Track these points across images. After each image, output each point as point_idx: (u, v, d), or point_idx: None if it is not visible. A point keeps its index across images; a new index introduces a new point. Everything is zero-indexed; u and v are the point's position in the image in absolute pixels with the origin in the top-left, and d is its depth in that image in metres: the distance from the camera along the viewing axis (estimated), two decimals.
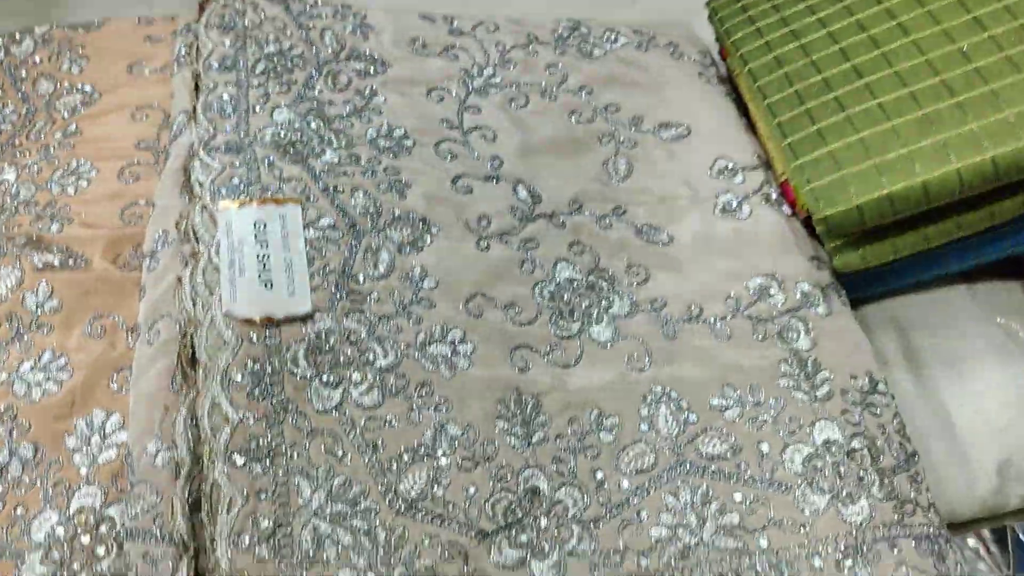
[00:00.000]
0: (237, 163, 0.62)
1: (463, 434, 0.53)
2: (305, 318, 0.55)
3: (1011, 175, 0.59)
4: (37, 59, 0.76)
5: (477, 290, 0.59)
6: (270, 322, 0.54)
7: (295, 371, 0.53)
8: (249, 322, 0.54)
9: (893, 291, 0.69)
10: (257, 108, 0.66)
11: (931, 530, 0.53)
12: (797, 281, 0.62)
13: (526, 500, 0.52)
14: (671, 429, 0.56)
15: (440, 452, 0.52)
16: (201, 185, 0.61)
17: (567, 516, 0.52)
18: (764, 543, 0.52)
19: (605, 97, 0.74)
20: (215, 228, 0.58)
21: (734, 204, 0.67)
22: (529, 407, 0.55)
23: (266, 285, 0.55)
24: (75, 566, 0.49)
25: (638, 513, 0.53)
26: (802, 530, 0.52)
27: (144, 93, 0.73)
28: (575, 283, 0.62)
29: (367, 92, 0.70)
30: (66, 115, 0.72)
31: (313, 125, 0.66)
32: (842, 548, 0.51)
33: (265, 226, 0.58)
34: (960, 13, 0.66)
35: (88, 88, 0.73)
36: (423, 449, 0.52)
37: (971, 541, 0.93)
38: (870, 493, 0.53)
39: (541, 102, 0.73)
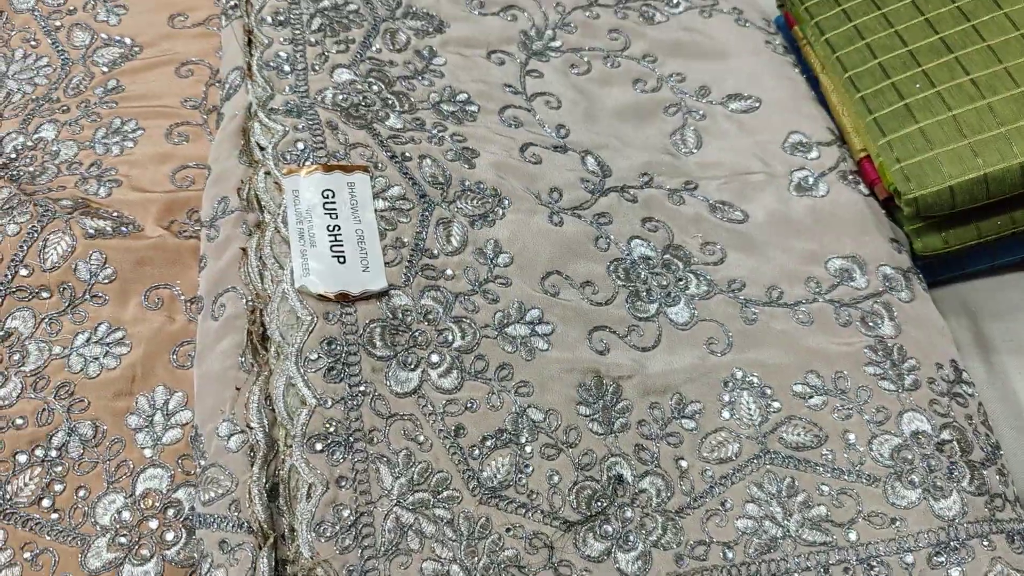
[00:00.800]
0: (300, 126, 0.58)
1: (545, 419, 0.51)
2: (381, 295, 0.52)
3: None
4: (71, 7, 0.71)
5: (553, 267, 0.57)
6: (345, 298, 0.51)
7: (372, 351, 0.50)
8: (323, 298, 0.51)
9: (964, 275, 0.67)
10: (316, 67, 0.62)
11: (1023, 526, 0.51)
12: (879, 264, 0.60)
13: (610, 489, 0.50)
14: (754, 417, 0.54)
15: (523, 438, 0.50)
16: (263, 149, 0.58)
17: (651, 506, 0.50)
18: (853, 537, 0.50)
19: (670, 65, 0.71)
20: (280, 196, 0.55)
21: (810, 181, 0.64)
22: (610, 392, 0.53)
23: (339, 259, 0.52)
24: (144, 552, 0.47)
25: (723, 504, 0.51)
26: (892, 525, 0.51)
27: (188, 47, 0.69)
28: (651, 261, 0.59)
29: (427, 53, 0.67)
30: (105, 69, 0.68)
31: (375, 87, 0.63)
32: (934, 543, 0.50)
33: (334, 194, 0.55)
34: None
35: (128, 40, 0.69)
36: (505, 435, 0.50)
37: None
38: (961, 487, 0.52)
39: (604, 69, 0.70)
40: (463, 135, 0.62)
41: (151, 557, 0.47)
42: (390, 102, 0.62)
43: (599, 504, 0.49)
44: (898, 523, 0.51)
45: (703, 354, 0.56)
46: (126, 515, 0.48)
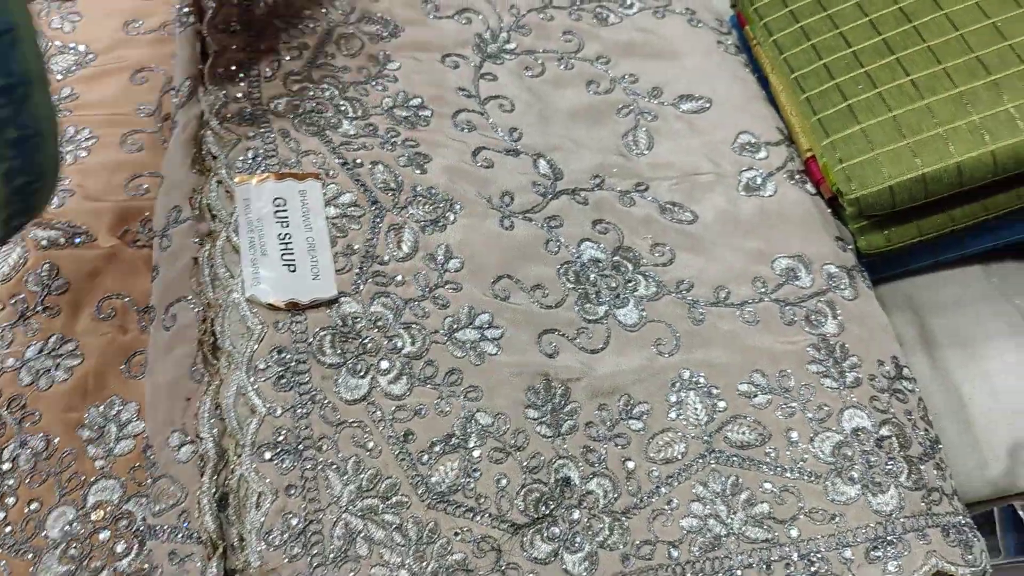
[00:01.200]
0: (252, 134, 0.59)
1: (493, 424, 0.52)
2: (331, 303, 0.53)
3: None
4: None
5: (503, 271, 0.58)
6: (295, 307, 0.52)
7: (322, 359, 0.51)
8: (273, 307, 0.52)
9: (908, 272, 0.69)
10: (269, 74, 0.63)
11: (958, 519, 0.53)
12: (824, 263, 0.61)
13: (557, 491, 0.51)
14: (700, 416, 0.55)
15: (472, 443, 0.51)
16: (215, 158, 0.58)
17: (598, 507, 0.51)
18: (795, 533, 0.52)
19: (623, 67, 0.72)
20: (232, 205, 0.56)
21: (758, 181, 0.65)
22: (559, 394, 0.54)
23: (289, 267, 0.53)
24: (95, 564, 0.48)
25: (668, 503, 0.52)
26: (832, 520, 0.52)
27: (142, 54, 0.69)
28: (600, 263, 0.60)
29: (381, 57, 0.67)
30: (59, 77, 0.68)
31: (328, 93, 0.63)
32: (872, 538, 0.52)
33: (285, 203, 0.55)
34: None
35: (82, 48, 0.69)
36: (454, 440, 0.51)
37: None
38: (899, 482, 0.53)
39: (557, 71, 0.71)
40: (416, 140, 0.62)
41: (102, 569, 0.48)
42: (343, 108, 0.63)
43: (546, 507, 0.51)
44: (838, 519, 0.52)
45: (651, 355, 0.57)
46: (77, 527, 0.49)
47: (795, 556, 0.51)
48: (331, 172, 0.58)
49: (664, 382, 0.56)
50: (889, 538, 0.52)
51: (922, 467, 0.54)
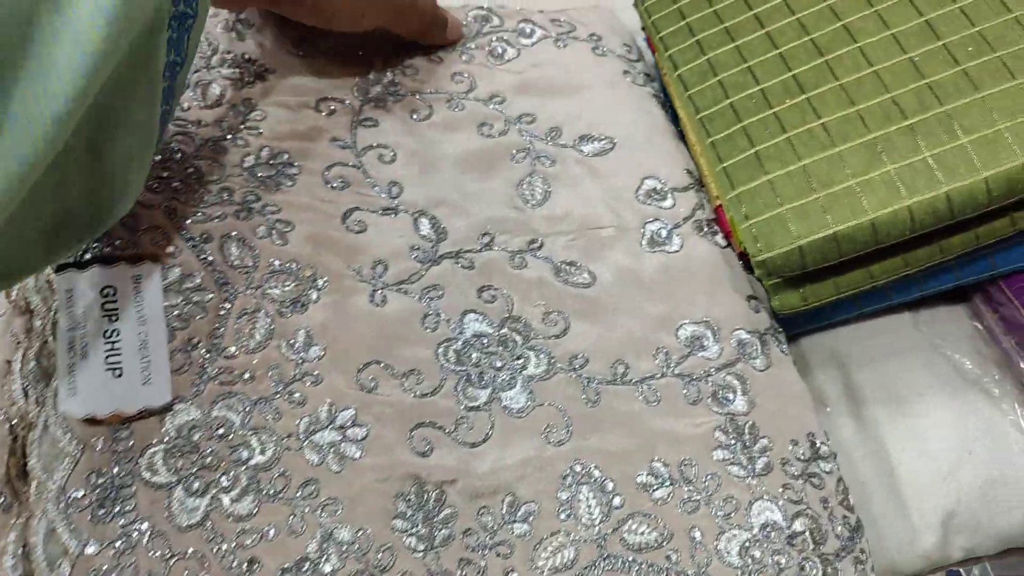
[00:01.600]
0: None
1: (355, 540, 0.46)
2: (163, 411, 0.46)
3: (966, 211, 0.52)
4: None
5: (372, 357, 0.51)
6: (120, 420, 0.45)
7: (151, 480, 0.45)
8: (93, 421, 0.45)
9: (832, 324, 0.63)
10: None
11: None
12: (734, 328, 0.56)
13: None
14: (594, 516, 0.49)
15: (328, 567, 0.45)
16: None
17: None
18: None
19: (518, 105, 0.65)
20: (53, 297, 0.49)
21: (663, 235, 0.60)
22: (431, 500, 0.48)
23: (114, 372, 0.46)
24: None
25: None
26: None
27: None
28: (485, 339, 0.54)
29: (243, 107, 0.61)
30: None
31: (178, 156, 0.56)
32: None
33: (115, 292, 0.48)
34: (911, 14, 0.59)
35: None
36: (307, 565, 0.45)
37: None
38: None
39: (447, 113, 0.64)
40: (277, 204, 0.56)
41: None
42: (192, 169, 0.56)
43: None
44: None
45: (540, 445, 0.51)
46: None
47: None
48: (174, 251, 0.51)
49: (554, 476, 0.50)
50: None
51: (839, 565, 0.49)
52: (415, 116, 0.64)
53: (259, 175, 0.57)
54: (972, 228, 0.55)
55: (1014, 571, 0.76)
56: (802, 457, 0.52)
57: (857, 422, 0.60)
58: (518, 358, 0.54)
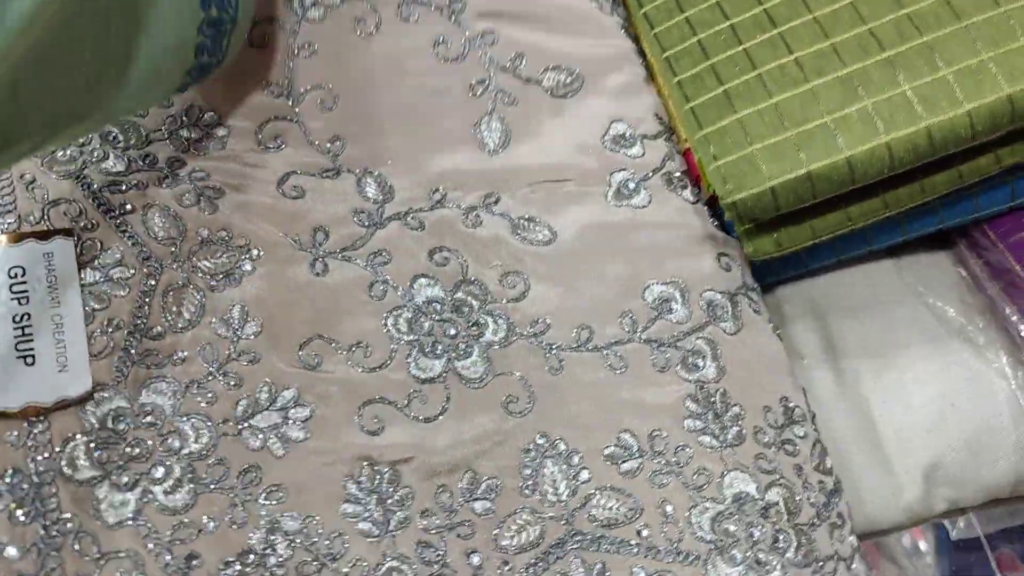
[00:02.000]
0: None
1: (301, 529, 0.43)
2: (84, 400, 0.42)
3: (947, 147, 0.49)
4: None
5: (314, 331, 0.48)
6: (35, 412, 0.41)
7: (74, 475, 0.41)
8: (5, 415, 0.41)
9: (810, 272, 0.60)
10: None
11: None
12: (703, 289, 0.52)
13: None
14: (559, 491, 0.46)
15: (275, 558, 0.42)
16: None
17: None
18: None
19: (479, 23, 0.57)
20: None
21: (631, 187, 0.55)
22: (385, 481, 0.45)
23: (26, 360, 0.42)
24: None
25: None
26: None
27: None
28: (438, 305, 0.50)
29: None
30: None
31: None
32: None
33: (24, 272, 0.44)
34: None
35: None
36: (252, 557, 0.42)
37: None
38: (786, 558, 0.45)
39: (397, 24, 0.56)
40: (205, 170, 0.51)
41: None
42: (112, 136, 0.51)
43: None
44: None
45: (500, 417, 0.48)
46: None
47: None
48: (90, 224, 0.47)
49: (516, 450, 0.47)
50: None
51: (814, 534, 0.46)
52: (359, 31, 0.57)
53: (184, 136, 0.52)
54: (955, 166, 0.52)
55: (1000, 522, 0.74)
56: (775, 424, 0.49)
57: (836, 375, 0.57)
58: (474, 324, 0.50)
